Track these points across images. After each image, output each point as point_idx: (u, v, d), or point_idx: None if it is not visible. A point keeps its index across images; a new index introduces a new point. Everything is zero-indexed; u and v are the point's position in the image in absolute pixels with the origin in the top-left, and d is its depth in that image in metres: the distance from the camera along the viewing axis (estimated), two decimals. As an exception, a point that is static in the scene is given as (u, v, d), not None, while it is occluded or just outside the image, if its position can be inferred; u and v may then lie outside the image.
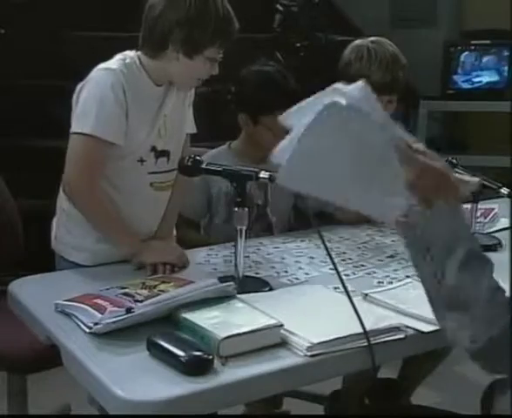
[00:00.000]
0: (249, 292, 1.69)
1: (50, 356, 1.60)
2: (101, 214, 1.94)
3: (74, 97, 1.95)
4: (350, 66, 2.41)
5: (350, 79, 2.40)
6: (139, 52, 1.98)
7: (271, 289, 1.79)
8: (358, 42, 2.45)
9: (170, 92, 2.02)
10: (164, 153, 2.01)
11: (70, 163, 1.90)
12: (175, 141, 2.05)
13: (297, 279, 1.89)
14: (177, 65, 1.93)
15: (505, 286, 1.34)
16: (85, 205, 1.93)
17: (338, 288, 1.70)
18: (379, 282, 1.86)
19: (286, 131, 2.30)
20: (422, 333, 1.57)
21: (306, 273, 1.93)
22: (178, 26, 1.88)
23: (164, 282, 1.72)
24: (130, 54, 1.98)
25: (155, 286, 1.68)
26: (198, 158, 1.81)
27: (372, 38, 2.44)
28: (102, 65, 1.93)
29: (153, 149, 1.99)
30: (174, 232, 2.21)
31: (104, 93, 1.88)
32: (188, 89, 2.06)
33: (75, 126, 1.90)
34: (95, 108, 1.87)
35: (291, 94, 2.28)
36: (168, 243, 2.06)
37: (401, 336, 1.54)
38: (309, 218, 1.65)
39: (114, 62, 1.95)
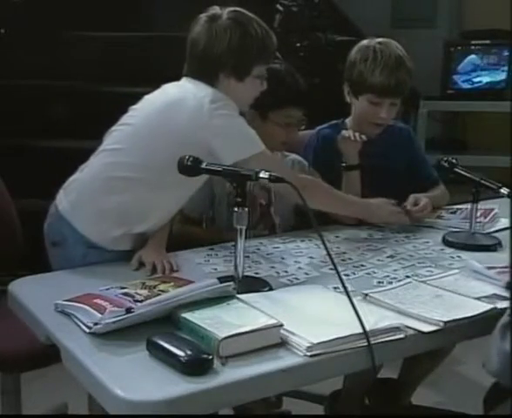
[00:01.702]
0: (249, 292, 1.69)
1: (44, 355, 1.61)
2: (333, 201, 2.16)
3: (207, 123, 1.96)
4: (355, 66, 2.40)
5: (354, 79, 2.42)
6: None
7: (271, 289, 1.78)
8: (365, 42, 2.43)
9: None
10: None
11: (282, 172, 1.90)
12: None
13: (297, 279, 1.89)
14: (230, 90, 2.03)
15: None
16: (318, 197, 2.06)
17: (338, 288, 1.70)
18: (379, 282, 1.86)
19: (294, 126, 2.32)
20: (422, 333, 1.57)
21: (306, 273, 1.93)
22: (224, 57, 2.01)
23: (164, 282, 1.72)
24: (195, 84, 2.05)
25: (155, 286, 1.68)
26: (197, 157, 1.81)
27: (380, 39, 2.42)
28: (216, 99, 1.99)
29: None
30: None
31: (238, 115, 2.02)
32: (245, 109, 2.13)
33: (237, 154, 1.95)
34: (245, 131, 2.01)
35: (299, 91, 2.31)
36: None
37: (401, 336, 1.54)
38: (309, 218, 1.65)
39: (212, 90, 2.01)
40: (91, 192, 2.03)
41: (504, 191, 2.16)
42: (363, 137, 2.35)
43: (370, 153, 2.43)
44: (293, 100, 2.29)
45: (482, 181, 2.18)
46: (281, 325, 1.48)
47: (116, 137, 2.06)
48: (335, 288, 1.74)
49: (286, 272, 1.94)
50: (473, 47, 5.17)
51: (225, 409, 1.49)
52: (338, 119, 2.55)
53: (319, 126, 2.57)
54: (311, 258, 2.04)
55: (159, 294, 1.60)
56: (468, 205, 2.26)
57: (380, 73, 2.35)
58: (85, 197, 2.04)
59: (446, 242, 2.19)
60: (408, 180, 2.51)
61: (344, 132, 2.38)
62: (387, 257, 2.07)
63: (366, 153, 2.42)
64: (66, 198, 2.07)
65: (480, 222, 2.28)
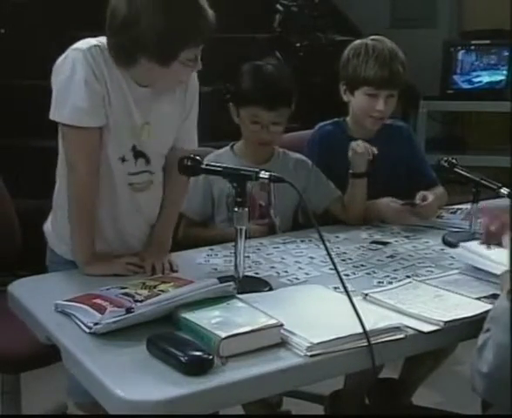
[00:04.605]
0: (249, 292, 1.68)
1: (44, 355, 1.60)
2: (79, 204, 1.89)
3: (52, 77, 1.90)
4: (348, 63, 2.42)
5: (349, 75, 2.43)
6: None
7: (271, 289, 1.78)
8: (358, 41, 2.46)
9: (159, 101, 1.95)
10: (142, 155, 1.97)
11: (66, 150, 1.89)
12: (159, 146, 1.99)
13: (297, 279, 1.89)
14: (153, 73, 1.83)
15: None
16: (74, 187, 1.88)
17: (338, 288, 1.70)
18: (379, 282, 1.86)
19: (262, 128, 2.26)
20: (422, 333, 1.57)
21: (306, 273, 1.93)
22: (146, 36, 1.74)
23: (164, 282, 1.72)
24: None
25: (155, 286, 1.68)
26: (197, 158, 1.81)
27: (372, 36, 2.46)
28: (79, 45, 1.84)
29: (133, 148, 1.94)
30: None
31: (80, 76, 1.80)
32: (171, 89, 1.95)
33: (54, 113, 1.87)
34: (68, 95, 1.82)
35: (273, 91, 2.23)
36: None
37: (401, 336, 1.54)
38: (309, 218, 1.65)
39: (94, 41, 1.85)
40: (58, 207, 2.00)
41: (504, 191, 2.16)
42: (374, 149, 2.33)
43: None
44: (257, 100, 2.22)
45: (482, 181, 2.18)
46: (281, 325, 1.48)
47: None
48: (335, 288, 1.74)
49: (286, 272, 1.94)
50: (473, 47, 5.17)
51: (225, 409, 1.48)
52: (339, 118, 2.55)
53: (320, 123, 2.57)
54: (311, 258, 2.04)
55: (159, 294, 1.60)
56: (468, 205, 2.26)
57: (374, 64, 2.36)
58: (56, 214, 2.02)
59: (446, 242, 2.19)
60: (408, 179, 2.51)
61: (354, 145, 2.33)
62: (387, 257, 2.07)
63: None
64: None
65: (480, 222, 2.28)
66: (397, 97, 2.44)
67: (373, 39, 2.43)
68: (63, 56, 1.86)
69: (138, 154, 1.95)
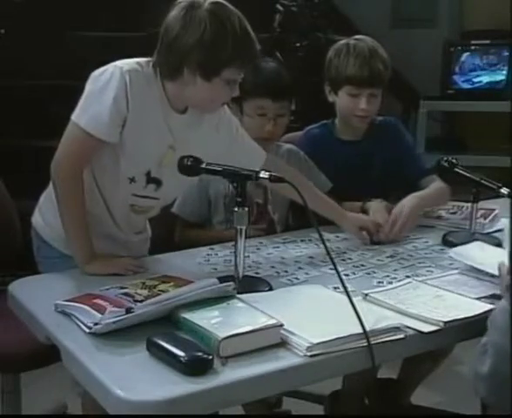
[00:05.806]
0: (249, 292, 1.69)
1: (44, 355, 1.60)
2: (70, 206, 1.90)
3: (87, 83, 1.91)
4: (331, 63, 2.43)
5: (332, 76, 2.45)
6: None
7: (271, 289, 1.79)
8: (341, 41, 2.48)
9: (192, 130, 1.98)
10: (154, 180, 1.97)
11: (63, 145, 1.90)
12: (175, 176, 1.91)
13: (297, 279, 1.89)
14: (194, 88, 1.88)
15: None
16: (62, 188, 1.90)
17: (338, 288, 1.70)
18: (379, 282, 1.86)
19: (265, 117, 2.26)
20: (422, 333, 1.57)
21: (306, 273, 1.93)
22: (193, 49, 1.83)
23: (164, 282, 1.72)
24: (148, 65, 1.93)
25: (155, 286, 1.68)
26: (197, 157, 1.81)
27: (355, 36, 2.47)
28: (121, 63, 1.89)
29: (148, 173, 1.96)
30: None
31: (111, 92, 1.85)
32: (208, 112, 2.01)
33: (74, 114, 1.90)
34: (95, 104, 1.86)
35: (272, 81, 2.27)
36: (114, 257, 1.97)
37: (401, 336, 1.54)
38: (309, 217, 1.66)
39: (133, 63, 1.91)
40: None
41: (504, 191, 2.16)
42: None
43: (359, 152, 2.44)
44: (262, 92, 2.24)
45: (482, 181, 2.18)
46: (281, 325, 1.48)
47: None
48: (335, 288, 1.74)
49: (286, 272, 1.94)
50: (473, 47, 5.17)
51: (226, 409, 1.48)
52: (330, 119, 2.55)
53: (307, 127, 2.57)
54: (311, 258, 2.04)
55: (159, 294, 1.60)
56: (468, 205, 2.26)
57: (354, 63, 2.38)
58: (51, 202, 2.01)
59: (446, 242, 2.19)
60: (398, 175, 2.49)
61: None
62: (387, 257, 2.07)
63: (355, 152, 2.44)
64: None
65: (480, 222, 2.28)
66: (381, 95, 2.44)
67: (355, 39, 2.44)
68: (104, 67, 1.90)
69: (151, 180, 1.97)
